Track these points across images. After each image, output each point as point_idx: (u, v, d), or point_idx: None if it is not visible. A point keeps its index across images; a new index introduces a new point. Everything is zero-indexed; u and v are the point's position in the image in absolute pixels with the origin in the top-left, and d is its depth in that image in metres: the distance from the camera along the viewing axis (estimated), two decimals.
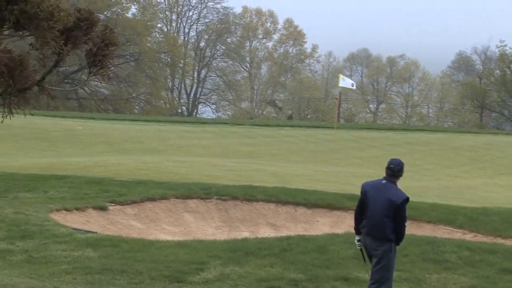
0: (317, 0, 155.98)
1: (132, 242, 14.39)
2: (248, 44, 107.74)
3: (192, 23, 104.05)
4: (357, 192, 10.30)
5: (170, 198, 19.70)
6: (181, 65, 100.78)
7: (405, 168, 10.18)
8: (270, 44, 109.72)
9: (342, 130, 51.12)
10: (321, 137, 48.38)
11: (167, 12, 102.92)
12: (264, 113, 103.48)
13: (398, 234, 9.87)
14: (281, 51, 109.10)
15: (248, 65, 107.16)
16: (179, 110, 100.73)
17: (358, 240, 10.21)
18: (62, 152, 34.18)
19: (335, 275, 11.95)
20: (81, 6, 8.39)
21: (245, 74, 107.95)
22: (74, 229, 15.61)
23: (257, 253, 13.35)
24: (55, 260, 12.70)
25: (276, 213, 19.95)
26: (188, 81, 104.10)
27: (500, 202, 22.72)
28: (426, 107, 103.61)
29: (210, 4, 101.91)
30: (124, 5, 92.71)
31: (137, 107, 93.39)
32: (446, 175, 33.77)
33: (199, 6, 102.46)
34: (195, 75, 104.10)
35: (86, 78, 8.90)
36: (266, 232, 18.29)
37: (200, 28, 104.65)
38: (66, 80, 75.66)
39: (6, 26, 7.71)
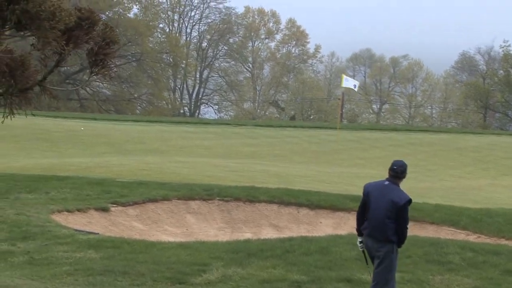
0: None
1: (134, 244, 14.36)
2: (250, 44, 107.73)
3: (194, 23, 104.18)
4: (361, 193, 10.26)
5: (172, 199, 19.68)
6: (183, 65, 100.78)
7: (408, 169, 10.14)
8: (272, 44, 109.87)
9: (345, 131, 51.12)
10: (324, 137, 48.37)
11: (169, 12, 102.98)
12: (267, 113, 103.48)
13: (400, 235, 9.81)
14: (284, 51, 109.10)
15: (250, 66, 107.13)
16: (181, 111, 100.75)
17: (360, 242, 10.14)
18: (64, 152, 34.18)
19: (338, 277, 11.90)
20: (82, 5, 8.32)
21: (247, 75, 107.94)
22: (76, 230, 15.59)
23: (259, 254, 13.31)
24: (56, 261, 12.67)
25: (278, 214, 19.91)
26: (190, 82, 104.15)
27: (504, 203, 22.69)
28: (429, 107, 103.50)
29: (212, 4, 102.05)
30: (126, 5, 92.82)
31: (139, 107, 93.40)
32: (450, 176, 33.73)
33: (201, 6, 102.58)
34: (197, 76, 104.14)
35: (87, 78, 8.86)
36: (268, 233, 18.25)
37: (202, 28, 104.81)
38: (67, 81, 75.70)
39: (7, 26, 7.67)
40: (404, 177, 9.91)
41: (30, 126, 39.25)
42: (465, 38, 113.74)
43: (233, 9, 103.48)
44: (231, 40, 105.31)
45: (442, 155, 42.10)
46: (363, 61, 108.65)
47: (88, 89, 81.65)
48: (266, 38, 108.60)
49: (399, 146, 45.04)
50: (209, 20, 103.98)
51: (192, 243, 14.76)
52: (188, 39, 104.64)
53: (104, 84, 77.69)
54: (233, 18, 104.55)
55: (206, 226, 18.92)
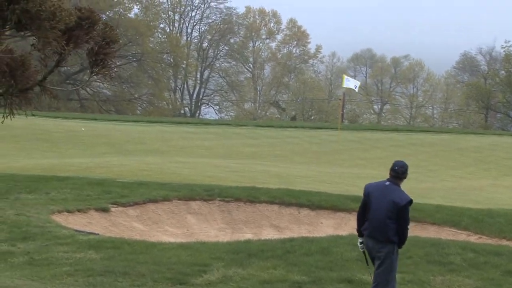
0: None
1: (135, 244, 14.33)
2: (251, 44, 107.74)
3: (195, 23, 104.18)
4: (361, 193, 10.24)
5: (172, 199, 19.66)
6: (183, 65, 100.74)
7: (410, 169, 10.13)
8: (273, 44, 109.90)
9: (346, 131, 51.13)
10: (325, 138, 48.38)
11: (169, 12, 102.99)
12: (268, 114, 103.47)
13: (401, 236, 9.79)
14: (285, 51, 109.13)
15: (251, 66, 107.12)
16: (182, 111, 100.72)
17: (361, 243, 10.12)
18: (64, 153, 34.18)
19: (339, 277, 11.88)
20: (83, 5, 8.31)
21: (248, 75, 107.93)
22: (76, 230, 15.55)
23: (260, 255, 13.28)
24: (56, 262, 12.64)
25: (279, 215, 19.89)
26: (190, 82, 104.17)
27: (505, 203, 22.67)
28: (430, 108, 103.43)
29: (213, 4, 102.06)
30: (127, 5, 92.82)
31: (140, 108, 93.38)
32: (451, 176, 33.70)
33: (202, 6, 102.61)
34: (198, 76, 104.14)
35: (88, 78, 8.85)
36: (269, 234, 18.22)
37: (203, 28, 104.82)
38: (68, 81, 75.67)
39: (8, 26, 7.65)
40: (405, 177, 9.89)
41: (30, 126, 39.24)
42: (466, 38, 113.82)
43: (234, 9, 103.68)
44: (232, 40, 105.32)
45: (443, 155, 42.08)
46: (364, 61, 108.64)
47: (88, 89, 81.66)
48: (267, 38, 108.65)
49: (400, 147, 45.04)
50: (210, 20, 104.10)
51: (192, 244, 14.73)
52: (188, 39, 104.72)
53: (105, 84, 77.56)
54: (234, 18, 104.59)
55: (207, 227, 18.89)
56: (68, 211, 17.52)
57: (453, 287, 11.92)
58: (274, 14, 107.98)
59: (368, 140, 47.95)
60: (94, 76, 8.54)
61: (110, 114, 77.64)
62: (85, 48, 8.29)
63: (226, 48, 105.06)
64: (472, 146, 46.36)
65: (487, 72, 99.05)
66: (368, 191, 9.94)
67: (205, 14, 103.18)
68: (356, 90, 52.50)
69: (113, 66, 8.51)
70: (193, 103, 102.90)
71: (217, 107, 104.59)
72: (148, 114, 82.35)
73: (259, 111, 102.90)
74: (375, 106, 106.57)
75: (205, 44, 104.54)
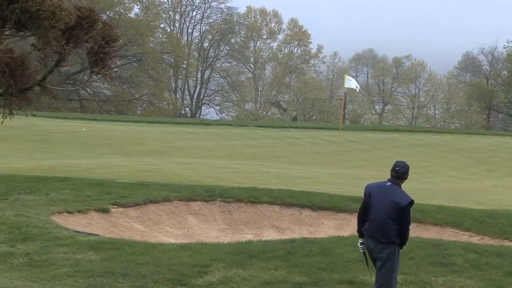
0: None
1: (135, 245, 14.30)
2: (252, 44, 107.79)
3: (195, 23, 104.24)
4: (363, 194, 10.18)
5: (173, 200, 19.63)
6: (184, 65, 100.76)
7: (411, 170, 10.11)
8: (274, 44, 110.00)
9: (347, 132, 51.20)
10: (326, 138, 48.40)
11: (170, 12, 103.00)
12: (269, 114, 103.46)
13: (402, 237, 9.74)
14: (286, 51, 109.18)
15: (252, 66, 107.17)
16: (183, 112, 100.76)
17: (361, 243, 10.08)
18: (64, 153, 34.18)
19: (340, 278, 11.82)
20: (82, 5, 8.27)
21: (249, 75, 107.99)
22: (76, 231, 15.52)
23: (261, 256, 13.23)
24: (56, 263, 12.60)
25: (280, 216, 19.86)
26: (191, 82, 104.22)
27: (508, 204, 22.62)
28: (432, 108, 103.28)
29: (214, 4, 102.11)
30: (127, 5, 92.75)
31: (140, 108, 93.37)
32: (453, 177, 33.65)
33: (203, 6, 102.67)
34: (199, 76, 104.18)
35: (88, 78, 8.83)
36: (270, 235, 18.21)
37: (203, 28, 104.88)
38: (68, 81, 75.66)
39: (7, 26, 7.62)
40: (406, 178, 9.85)
41: (30, 127, 39.29)
42: (468, 38, 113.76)
43: (235, 9, 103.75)
44: (232, 40, 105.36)
45: (445, 156, 42.06)
46: (366, 61, 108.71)
47: (88, 89, 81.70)
48: (268, 38, 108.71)
49: (402, 147, 45.04)
50: (211, 20, 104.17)
51: (193, 245, 14.69)
52: (189, 39, 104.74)
53: (105, 85, 77.79)
54: (235, 18, 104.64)
55: (207, 228, 18.86)
56: (68, 212, 17.48)
57: None
58: (275, 14, 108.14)
59: (370, 140, 47.96)
60: (94, 76, 8.54)
61: (110, 114, 77.63)
62: (85, 47, 8.27)
63: (227, 48, 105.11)
64: (474, 146, 46.35)
65: (489, 72, 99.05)
66: (369, 192, 9.89)
67: (205, 14, 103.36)
68: (357, 89, 52.66)
69: (113, 66, 8.51)
70: (194, 104, 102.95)
71: (218, 107, 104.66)
72: (148, 115, 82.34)
73: (260, 111, 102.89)
74: (377, 107, 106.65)
75: (205, 44, 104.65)
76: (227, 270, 12.08)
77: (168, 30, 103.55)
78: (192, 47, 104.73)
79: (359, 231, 10.08)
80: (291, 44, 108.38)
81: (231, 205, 19.94)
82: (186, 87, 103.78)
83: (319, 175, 29.18)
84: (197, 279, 11.59)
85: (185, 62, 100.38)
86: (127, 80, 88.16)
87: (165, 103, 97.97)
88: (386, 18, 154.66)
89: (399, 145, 45.99)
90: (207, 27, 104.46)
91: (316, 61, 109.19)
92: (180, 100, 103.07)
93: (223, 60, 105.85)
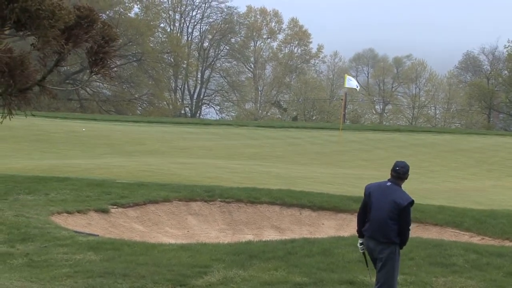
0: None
1: (135, 245, 14.27)
2: (252, 44, 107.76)
3: (195, 23, 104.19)
4: (363, 194, 10.14)
5: (173, 200, 19.60)
6: (184, 65, 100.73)
7: (412, 170, 10.12)
8: (274, 44, 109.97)
9: (347, 132, 51.20)
10: (327, 138, 48.38)
11: (170, 12, 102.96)
12: (269, 114, 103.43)
13: (402, 237, 9.72)
14: (286, 51, 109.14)
15: (252, 66, 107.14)
16: (182, 111, 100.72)
17: (361, 244, 10.05)
18: (64, 154, 34.15)
19: (340, 279, 11.79)
20: (82, 4, 8.26)
21: (249, 75, 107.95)
22: (76, 232, 15.49)
23: (261, 256, 13.20)
24: (56, 263, 12.57)
25: (280, 216, 19.83)
26: (191, 82, 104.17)
27: (508, 204, 22.59)
28: (433, 108, 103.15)
29: (214, 3, 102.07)
30: (127, 4, 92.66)
31: (140, 108, 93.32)
32: (453, 177, 33.62)
33: (203, 5, 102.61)
34: (199, 76, 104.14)
35: (87, 78, 8.80)
36: (270, 235, 18.18)
37: (203, 28, 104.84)
38: (67, 81, 75.65)
39: (7, 26, 7.59)
40: (406, 178, 9.82)
41: (29, 127, 39.26)
42: (469, 38, 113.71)
43: (235, 9, 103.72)
44: (232, 40, 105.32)
45: (446, 156, 42.03)
46: (366, 61, 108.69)
47: (88, 89, 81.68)
48: (268, 38, 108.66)
49: (402, 147, 45.02)
50: (211, 20, 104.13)
51: (193, 245, 14.66)
52: (189, 39, 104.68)
53: (105, 84, 77.77)
54: (235, 18, 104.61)
55: (207, 228, 18.83)
56: (68, 212, 17.45)
57: None
58: (276, 14, 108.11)
59: (370, 140, 47.94)
60: (94, 76, 8.50)
61: (110, 114, 77.60)
62: (84, 47, 8.25)
63: (227, 47, 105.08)
64: (475, 146, 46.33)
65: (490, 72, 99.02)
66: (369, 192, 9.86)
67: (206, 14, 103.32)
68: (357, 89, 52.73)
69: (112, 65, 8.47)
70: (194, 103, 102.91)
71: (218, 107, 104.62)
72: (148, 115, 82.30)
73: (260, 111, 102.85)
74: (377, 106, 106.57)
75: (206, 44, 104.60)
76: (227, 270, 12.04)
77: (168, 29, 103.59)
78: (192, 46, 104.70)
79: (358, 231, 10.05)
80: (291, 44, 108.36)
81: (231, 205, 19.91)
82: (186, 87, 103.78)
83: (319, 175, 29.15)
84: (197, 279, 11.55)
85: (185, 61, 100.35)
86: (127, 80, 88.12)
87: (165, 103, 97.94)
88: (386, 17, 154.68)
89: (399, 145, 45.97)
90: (207, 26, 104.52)
91: (317, 61, 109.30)
92: (180, 100, 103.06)
93: (223, 59, 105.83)
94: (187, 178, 23.18)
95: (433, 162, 39.33)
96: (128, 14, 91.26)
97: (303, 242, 14.65)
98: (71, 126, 45.28)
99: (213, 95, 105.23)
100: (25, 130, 38.94)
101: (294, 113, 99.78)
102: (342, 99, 69.54)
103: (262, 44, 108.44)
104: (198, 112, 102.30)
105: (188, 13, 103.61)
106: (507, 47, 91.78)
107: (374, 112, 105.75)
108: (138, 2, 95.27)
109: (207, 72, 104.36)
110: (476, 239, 17.22)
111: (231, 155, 37.21)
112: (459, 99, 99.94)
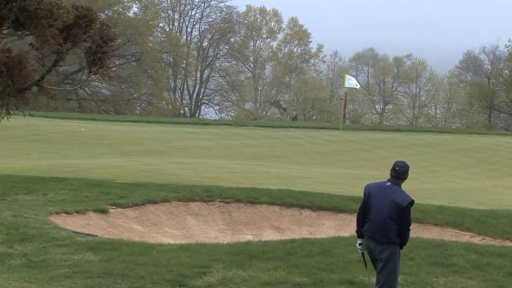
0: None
1: (133, 246, 14.25)
2: (252, 43, 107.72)
3: (194, 22, 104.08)
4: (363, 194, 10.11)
5: (172, 200, 19.57)
6: (183, 65, 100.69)
7: (412, 170, 10.10)
8: (274, 43, 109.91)
9: (347, 131, 51.20)
10: (326, 138, 48.37)
11: (169, 11, 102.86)
12: (268, 114, 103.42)
13: (402, 237, 9.70)
14: (286, 50, 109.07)
15: (252, 65, 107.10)
16: (182, 111, 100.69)
17: (360, 244, 10.04)
18: (62, 154, 34.13)
19: (340, 279, 11.78)
20: (80, 4, 8.24)
21: (248, 75, 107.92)
22: (74, 232, 15.46)
23: (260, 256, 13.18)
24: (54, 264, 12.55)
25: (280, 216, 19.80)
26: (190, 82, 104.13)
27: (509, 204, 22.57)
28: (433, 107, 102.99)
29: (213, 3, 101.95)
30: (126, 4, 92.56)
31: (139, 108, 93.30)
32: (454, 177, 33.60)
33: (202, 5, 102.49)
34: (198, 76, 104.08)
35: (86, 78, 8.79)
36: (270, 235, 18.16)
37: (203, 27, 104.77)
38: (66, 81, 75.61)
39: (5, 25, 7.58)
40: (406, 178, 9.80)
41: (28, 126, 39.26)
42: (469, 37, 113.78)
43: (235, 8, 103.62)
44: (232, 39, 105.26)
45: (446, 155, 42.00)
46: (366, 60, 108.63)
47: (87, 89, 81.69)
48: (267, 38, 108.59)
49: (402, 147, 45.01)
50: (210, 19, 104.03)
51: (192, 245, 14.64)
52: (188, 38, 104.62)
53: (103, 84, 77.72)
54: (235, 17, 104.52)
55: (207, 228, 18.80)
56: (66, 213, 17.42)
57: None
58: (275, 13, 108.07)
59: (370, 140, 47.93)
60: (93, 76, 8.49)
61: (109, 114, 77.54)
62: (83, 47, 8.23)
63: (227, 47, 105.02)
64: (475, 146, 46.31)
65: (491, 72, 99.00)
66: (369, 192, 9.84)
67: (205, 13, 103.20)
68: (357, 87, 52.75)
69: (111, 65, 8.46)
70: (193, 103, 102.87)
71: (217, 107, 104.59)
72: (147, 114, 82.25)
73: (259, 111, 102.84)
74: (377, 106, 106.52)
75: (205, 44, 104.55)
76: (226, 270, 12.02)
77: (167, 29, 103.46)
78: (191, 46, 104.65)
79: (358, 231, 10.04)
80: (291, 44, 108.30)
81: (231, 205, 19.88)
82: (185, 86, 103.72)
83: (319, 175, 29.12)
84: (196, 280, 11.53)
85: (184, 61, 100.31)
86: (126, 79, 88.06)
87: (164, 102, 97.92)
88: (387, 17, 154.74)
89: (399, 145, 45.96)
90: (206, 26, 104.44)
91: (316, 61, 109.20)
92: (179, 99, 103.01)
93: (223, 59, 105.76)
94: (186, 178, 23.16)
95: (433, 162, 39.31)
96: (127, 13, 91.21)
97: (303, 242, 14.62)
98: (69, 126, 45.26)
99: (212, 95, 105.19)
100: (23, 130, 38.92)
101: (294, 113, 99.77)
102: (342, 99, 69.55)
103: (261, 43, 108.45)
104: (198, 112, 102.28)
105: (187, 13, 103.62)
106: (507, 47, 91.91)
107: (374, 112, 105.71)
108: (137, 2, 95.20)
109: (206, 72, 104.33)
110: (476, 239, 17.19)
111: (230, 155, 37.18)
112: (460, 98, 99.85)
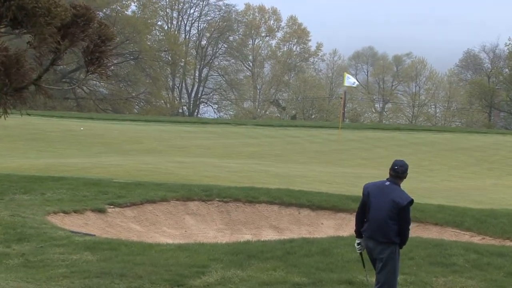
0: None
1: (132, 245, 14.23)
2: (250, 42, 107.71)
3: (193, 21, 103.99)
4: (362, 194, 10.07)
5: (170, 200, 19.55)
6: (182, 64, 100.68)
7: (412, 169, 10.14)
8: (273, 42, 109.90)
9: (347, 130, 51.18)
10: (326, 137, 48.34)
11: (167, 10, 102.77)
12: (267, 113, 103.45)
13: (402, 237, 9.69)
14: (285, 49, 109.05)
15: (250, 64, 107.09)
16: (180, 110, 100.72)
17: (359, 244, 10.03)
18: (60, 153, 34.07)
19: (340, 279, 11.78)
20: (78, 2, 8.21)
21: (247, 73, 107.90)
22: (72, 232, 15.44)
23: (259, 256, 13.17)
24: (52, 263, 12.55)
25: (279, 215, 19.77)
26: (189, 80, 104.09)
27: (509, 203, 22.55)
28: (433, 106, 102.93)
29: (211, 1, 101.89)
30: (124, 2, 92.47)
31: (137, 107, 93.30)
32: (453, 176, 33.56)
33: (201, 3, 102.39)
34: (197, 74, 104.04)
35: (84, 77, 8.76)
36: (269, 235, 18.14)
37: (201, 26, 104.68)
38: (64, 79, 75.56)
39: (3, 24, 7.55)
40: (405, 177, 9.79)
41: (25, 125, 39.22)
42: (469, 36, 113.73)
43: (233, 6, 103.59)
44: (231, 38, 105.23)
45: (446, 154, 41.95)
46: (366, 59, 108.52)
47: (85, 88, 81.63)
48: (266, 36, 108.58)
49: (402, 146, 44.95)
50: (209, 18, 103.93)
51: (191, 245, 14.63)
52: (187, 37, 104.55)
53: (101, 83, 77.68)
54: (233, 16, 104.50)
55: (205, 228, 18.77)
56: (64, 212, 17.40)
57: None
58: (274, 11, 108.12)
59: (370, 139, 47.88)
60: (90, 75, 8.46)
61: (107, 113, 77.47)
62: (80, 46, 8.21)
63: (225, 46, 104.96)
64: (475, 145, 46.27)
65: (491, 70, 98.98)
66: (368, 191, 9.82)
67: (203, 12, 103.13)
68: (355, 85, 52.75)
69: (109, 64, 8.43)
70: (192, 102, 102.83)
71: (216, 106, 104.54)
72: (145, 113, 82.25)
73: (258, 110, 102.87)
74: (377, 105, 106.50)
75: (203, 42, 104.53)
76: (225, 270, 12.01)
77: (166, 27, 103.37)
78: (189, 45, 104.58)
79: (357, 231, 10.03)
80: (290, 42, 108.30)
81: (229, 204, 19.85)
82: (183, 85, 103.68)
83: (318, 174, 29.07)
84: (194, 279, 11.52)
85: (183, 60, 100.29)
86: (124, 78, 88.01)
87: (163, 101, 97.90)
88: (386, 15, 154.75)
89: (399, 144, 45.91)
90: (205, 24, 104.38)
91: (316, 59, 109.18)
92: (177, 98, 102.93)
93: (221, 58, 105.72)
94: (185, 178, 23.12)
95: (433, 161, 39.27)
96: (125, 12, 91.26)
97: (302, 242, 14.61)
98: (67, 125, 45.21)
99: (211, 94, 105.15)
100: (20, 129, 38.88)
101: (293, 111, 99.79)
102: (341, 98, 69.53)
103: (260, 42, 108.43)
104: (196, 110, 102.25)
105: (186, 11, 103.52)
106: (508, 45, 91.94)
107: (373, 110, 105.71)
108: (135, 0, 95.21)
109: (205, 71, 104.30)
110: (476, 239, 17.19)
111: (229, 154, 37.15)
112: (460, 97, 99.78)
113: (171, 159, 30.49)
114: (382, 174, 12.00)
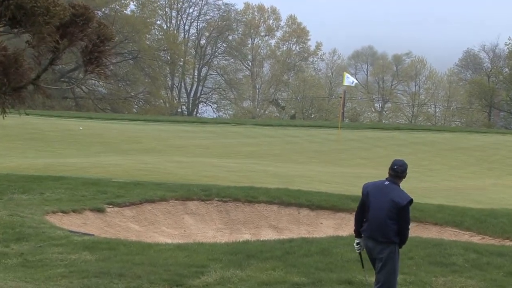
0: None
1: (130, 245, 14.21)
2: (250, 41, 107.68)
3: (192, 20, 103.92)
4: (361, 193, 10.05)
5: (169, 199, 19.53)
6: (181, 63, 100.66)
7: (411, 169, 10.12)
8: (272, 41, 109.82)
9: (346, 130, 51.16)
10: (325, 137, 48.31)
11: (166, 9, 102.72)
12: (267, 112, 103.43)
13: (402, 236, 9.68)
14: (284, 48, 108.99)
15: (250, 63, 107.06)
16: (179, 110, 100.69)
17: (358, 243, 10.03)
18: (59, 152, 34.04)
19: (339, 279, 11.78)
20: (77, 2, 8.19)
21: (247, 73, 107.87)
22: (71, 231, 15.42)
23: (258, 256, 13.16)
24: (51, 263, 12.53)
25: (278, 215, 19.75)
26: (188, 80, 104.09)
27: (509, 203, 22.55)
28: (433, 106, 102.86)
29: (211, 0, 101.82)
30: (123, 1, 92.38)
31: (136, 106, 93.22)
32: (453, 176, 33.57)
33: (200, 2, 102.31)
34: (196, 74, 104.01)
35: (83, 77, 8.77)
36: (268, 235, 18.12)
37: (200, 25, 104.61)
38: (62, 79, 75.40)
39: (2, 23, 7.54)
40: (404, 176, 9.79)
41: (24, 125, 39.17)
42: (469, 35, 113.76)
43: (232, 6, 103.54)
44: (230, 37, 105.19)
45: (446, 154, 41.94)
46: (365, 58, 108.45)
47: (83, 87, 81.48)
48: (266, 35, 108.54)
49: (401, 146, 44.92)
50: (208, 17, 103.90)
51: (190, 245, 14.63)
52: (186, 36, 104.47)
53: (100, 83, 77.60)
54: (232, 15, 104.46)
55: (204, 227, 18.76)
56: (63, 212, 17.38)
57: None
58: (273, 11, 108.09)
59: (369, 139, 47.84)
60: (89, 75, 8.45)
61: (105, 112, 77.42)
62: (79, 46, 8.21)
63: (224, 45, 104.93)
64: (475, 145, 46.24)
65: (491, 70, 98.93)
66: (367, 191, 9.81)
67: (202, 11, 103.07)
68: (353, 84, 52.73)
69: (108, 64, 8.42)
70: (191, 102, 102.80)
71: (215, 105, 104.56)
72: (144, 113, 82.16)
73: (258, 109, 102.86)
74: (376, 105, 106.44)
75: (202, 41, 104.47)
76: (224, 270, 12.00)
77: (165, 27, 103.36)
78: (189, 44, 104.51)
79: (356, 231, 10.03)
80: (290, 41, 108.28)
81: (228, 204, 19.83)
82: (182, 85, 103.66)
83: (318, 174, 29.06)
84: (193, 279, 11.51)
85: (182, 59, 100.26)
86: (123, 78, 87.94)
87: (162, 101, 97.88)
88: (386, 15, 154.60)
89: (399, 144, 45.88)
90: (204, 24, 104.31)
91: (315, 59, 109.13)
92: (176, 98, 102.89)
93: (221, 57, 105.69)
94: (184, 177, 23.10)
95: (433, 160, 39.27)
96: (124, 11, 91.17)
97: (301, 242, 14.60)
98: (66, 125, 45.18)
99: (210, 93, 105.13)
100: (19, 128, 38.85)
101: (292, 111, 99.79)
102: (341, 97, 69.51)
103: (259, 41, 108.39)
104: (195, 110, 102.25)
105: (185, 10, 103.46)
106: (507, 45, 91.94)
107: (373, 110, 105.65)
108: None
109: (204, 70, 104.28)
110: (476, 239, 17.19)
111: (228, 154, 37.13)
112: (459, 97, 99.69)
113: (170, 159, 30.48)
114: (381, 174, 11.97)
